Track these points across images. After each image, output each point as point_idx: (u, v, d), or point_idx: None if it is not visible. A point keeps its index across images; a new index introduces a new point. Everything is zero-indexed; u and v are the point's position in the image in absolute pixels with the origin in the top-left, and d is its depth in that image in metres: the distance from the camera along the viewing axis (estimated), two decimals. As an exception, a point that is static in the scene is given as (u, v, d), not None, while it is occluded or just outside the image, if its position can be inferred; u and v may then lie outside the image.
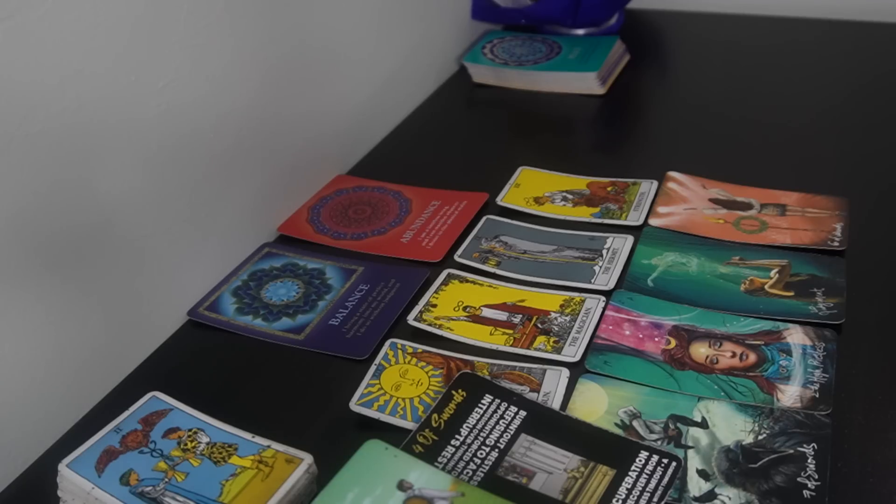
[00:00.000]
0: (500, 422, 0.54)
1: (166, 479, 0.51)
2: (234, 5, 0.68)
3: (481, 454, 0.52)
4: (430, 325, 0.64)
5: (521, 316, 0.65)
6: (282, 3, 0.74)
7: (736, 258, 0.68)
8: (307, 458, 0.51)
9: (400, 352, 0.62)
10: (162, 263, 0.65)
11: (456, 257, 0.72)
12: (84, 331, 0.59)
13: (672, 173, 0.80)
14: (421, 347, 0.62)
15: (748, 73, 1.01)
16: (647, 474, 0.50)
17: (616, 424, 0.55)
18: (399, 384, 0.59)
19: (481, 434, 0.54)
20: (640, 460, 0.51)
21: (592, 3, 1.06)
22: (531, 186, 0.80)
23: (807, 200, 0.75)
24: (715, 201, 0.76)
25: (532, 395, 0.57)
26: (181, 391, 0.57)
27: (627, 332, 0.62)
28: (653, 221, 0.73)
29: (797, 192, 0.76)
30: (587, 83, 0.99)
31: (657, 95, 1.01)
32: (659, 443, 0.53)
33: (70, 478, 0.50)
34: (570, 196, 0.78)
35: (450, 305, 0.66)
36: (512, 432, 0.54)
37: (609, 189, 0.79)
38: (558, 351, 0.61)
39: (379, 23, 0.90)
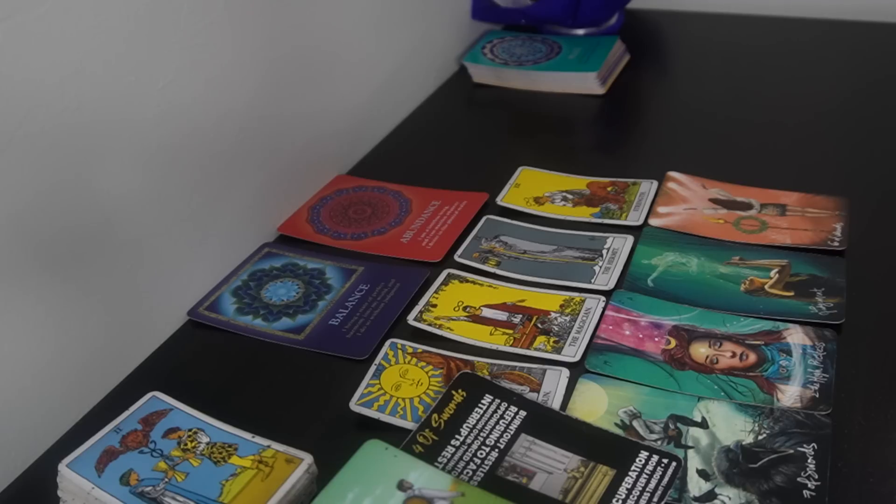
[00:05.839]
0: (500, 422, 0.54)
1: (166, 479, 0.51)
2: (234, 5, 0.68)
3: (481, 454, 0.52)
4: (430, 325, 0.64)
5: (521, 316, 0.65)
6: (282, 4, 0.74)
7: (736, 258, 0.68)
8: (307, 458, 0.51)
9: (400, 352, 0.62)
10: (162, 263, 0.65)
11: (456, 257, 0.72)
12: (84, 331, 0.59)
13: (672, 173, 0.80)
14: (421, 347, 0.62)
15: (748, 73, 1.01)
16: (647, 474, 0.50)
17: (616, 424, 0.55)
18: (399, 384, 0.59)
19: (481, 434, 0.54)
20: (640, 460, 0.51)
21: (592, 3, 1.06)
22: (531, 186, 0.80)
23: (807, 200, 0.75)
24: (715, 201, 0.76)
25: (532, 395, 0.57)
26: (181, 391, 0.57)
27: (627, 332, 0.62)
28: (653, 221, 0.73)
29: (797, 192, 0.76)
30: (587, 83, 0.99)
31: (657, 95, 1.01)
32: (659, 443, 0.53)
33: (70, 478, 0.50)
34: (570, 196, 0.78)
35: (450, 305, 0.66)
36: (512, 432, 0.54)
37: (609, 189, 0.79)
38: (558, 351, 0.61)
39: (379, 23, 0.90)
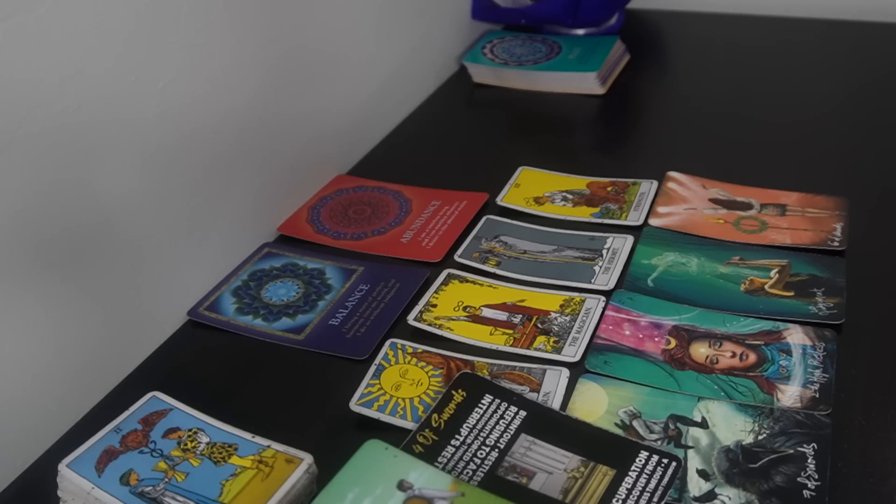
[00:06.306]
0: (500, 422, 0.54)
1: (166, 479, 0.51)
2: (234, 5, 0.68)
3: (481, 454, 0.52)
4: (430, 325, 0.64)
5: (521, 316, 0.65)
6: (282, 3, 0.74)
7: (736, 258, 0.68)
8: (307, 458, 0.51)
9: (400, 352, 0.62)
10: (162, 263, 0.65)
11: (456, 257, 0.72)
12: (84, 331, 0.59)
13: (672, 173, 0.80)
14: (421, 347, 0.62)
15: (748, 73, 1.01)
16: (647, 474, 0.50)
17: (616, 424, 0.55)
18: (399, 384, 0.59)
19: (481, 434, 0.54)
20: (640, 460, 0.51)
21: (592, 3, 1.06)
22: (531, 186, 0.80)
23: (807, 200, 0.75)
24: (715, 201, 0.76)
25: (532, 395, 0.57)
26: (181, 391, 0.57)
27: (627, 332, 0.62)
28: (653, 221, 0.73)
29: (797, 192, 0.76)
30: (587, 83, 0.99)
31: (657, 95, 1.01)
32: (659, 443, 0.53)
33: (70, 478, 0.50)
34: (570, 196, 0.78)
35: (450, 305, 0.66)
36: (512, 432, 0.54)
37: (609, 189, 0.79)
38: (558, 351, 0.61)
39: (379, 23, 0.90)
